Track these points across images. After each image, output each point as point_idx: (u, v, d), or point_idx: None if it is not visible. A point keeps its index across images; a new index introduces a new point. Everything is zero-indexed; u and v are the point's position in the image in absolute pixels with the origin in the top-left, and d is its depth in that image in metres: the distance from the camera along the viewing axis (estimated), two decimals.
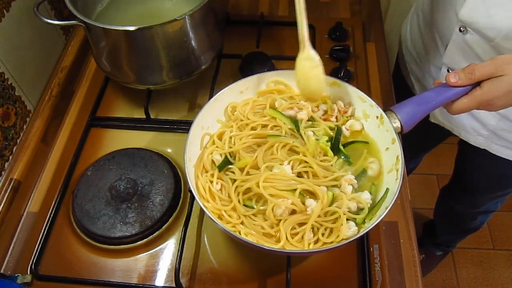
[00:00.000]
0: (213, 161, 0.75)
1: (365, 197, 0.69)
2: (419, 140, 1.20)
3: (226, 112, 0.81)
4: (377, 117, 0.75)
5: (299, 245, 0.65)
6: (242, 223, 0.68)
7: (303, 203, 0.67)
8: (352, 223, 0.67)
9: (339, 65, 1.02)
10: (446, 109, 0.68)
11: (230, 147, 0.75)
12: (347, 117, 0.79)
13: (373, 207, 0.69)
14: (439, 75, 0.93)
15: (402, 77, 1.14)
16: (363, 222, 0.67)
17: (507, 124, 0.89)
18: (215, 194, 0.71)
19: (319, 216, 0.66)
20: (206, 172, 0.74)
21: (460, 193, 1.34)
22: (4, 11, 0.87)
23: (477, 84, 0.64)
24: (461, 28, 0.79)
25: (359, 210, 0.69)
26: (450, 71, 0.89)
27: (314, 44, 1.06)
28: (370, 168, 0.72)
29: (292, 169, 0.70)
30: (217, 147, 0.76)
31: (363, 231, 0.63)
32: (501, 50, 0.76)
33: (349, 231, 0.65)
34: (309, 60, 0.69)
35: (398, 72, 1.16)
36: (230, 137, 0.77)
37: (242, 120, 0.78)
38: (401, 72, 1.15)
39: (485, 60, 0.63)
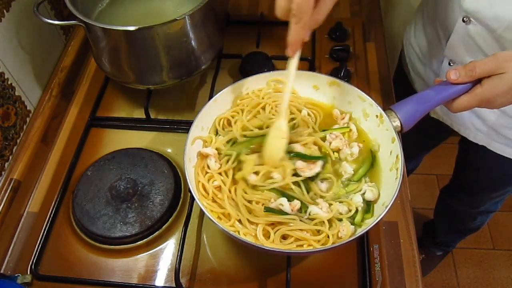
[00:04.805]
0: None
1: (357, 200, 0.69)
2: (418, 140, 1.20)
3: (234, 103, 0.81)
4: (376, 116, 0.75)
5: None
6: (240, 221, 0.68)
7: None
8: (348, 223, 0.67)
9: (339, 65, 1.02)
10: (447, 107, 0.68)
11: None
12: (344, 123, 0.79)
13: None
14: (441, 69, 0.93)
15: (405, 76, 1.14)
16: (362, 220, 0.68)
17: (507, 120, 0.90)
18: (215, 193, 0.71)
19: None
20: (207, 172, 0.74)
21: (460, 193, 1.34)
22: (4, 11, 0.87)
23: (478, 82, 0.64)
24: (464, 19, 0.79)
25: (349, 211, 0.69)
26: (451, 64, 0.89)
27: (314, 44, 1.07)
28: (368, 191, 0.71)
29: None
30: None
31: (362, 231, 0.63)
32: (503, 42, 0.75)
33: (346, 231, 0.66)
34: (278, 130, 0.70)
35: (401, 71, 1.16)
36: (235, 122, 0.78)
37: (247, 106, 0.80)
38: (403, 70, 1.15)
39: (486, 57, 0.63)
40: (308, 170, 0.70)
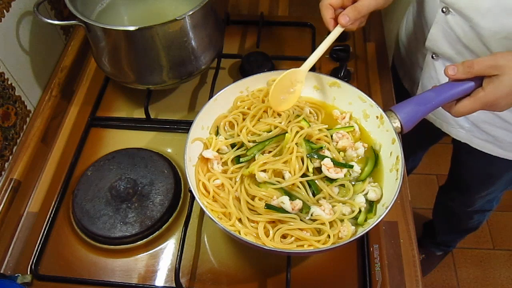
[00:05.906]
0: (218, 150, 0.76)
1: (359, 200, 0.69)
2: (416, 138, 1.20)
3: (234, 104, 0.81)
4: (377, 117, 0.75)
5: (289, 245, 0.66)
6: (240, 220, 0.68)
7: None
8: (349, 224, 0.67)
9: (339, 65, 1.02)
10: (449, 112, 0.68)
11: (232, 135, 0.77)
12: (346, 123, 0.79)
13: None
14: (424, 63, 0.94)
15: (398, 75, 1.14)
16: (365, 220, 0.68)
17: (488, 116, 0.90)
18: (216, 192, 0.71)
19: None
20: (208, 171, 0.74)
21: (455, 192, 1.35)
22: (4, 11, 0.87)
23: (479, 85, 0.64)
24: (444, 9, 0.81)
25: (352, 212, 0.69)
26: (434, 57, 0.90)
27: (314, 45, 1.07)
28: (371, 191, 0.71)
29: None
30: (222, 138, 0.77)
31: (362, 231, 0.63)
32: (478, 30, 0.77)
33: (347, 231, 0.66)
34: (296, 74, 0.75)
35: (394, 69, 1.17)
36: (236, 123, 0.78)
37: (249, 109, 0.80)
38: (396, 68, 1.15)
39: (485, 56, 0.64)
40: (334, 171, 0.71)
